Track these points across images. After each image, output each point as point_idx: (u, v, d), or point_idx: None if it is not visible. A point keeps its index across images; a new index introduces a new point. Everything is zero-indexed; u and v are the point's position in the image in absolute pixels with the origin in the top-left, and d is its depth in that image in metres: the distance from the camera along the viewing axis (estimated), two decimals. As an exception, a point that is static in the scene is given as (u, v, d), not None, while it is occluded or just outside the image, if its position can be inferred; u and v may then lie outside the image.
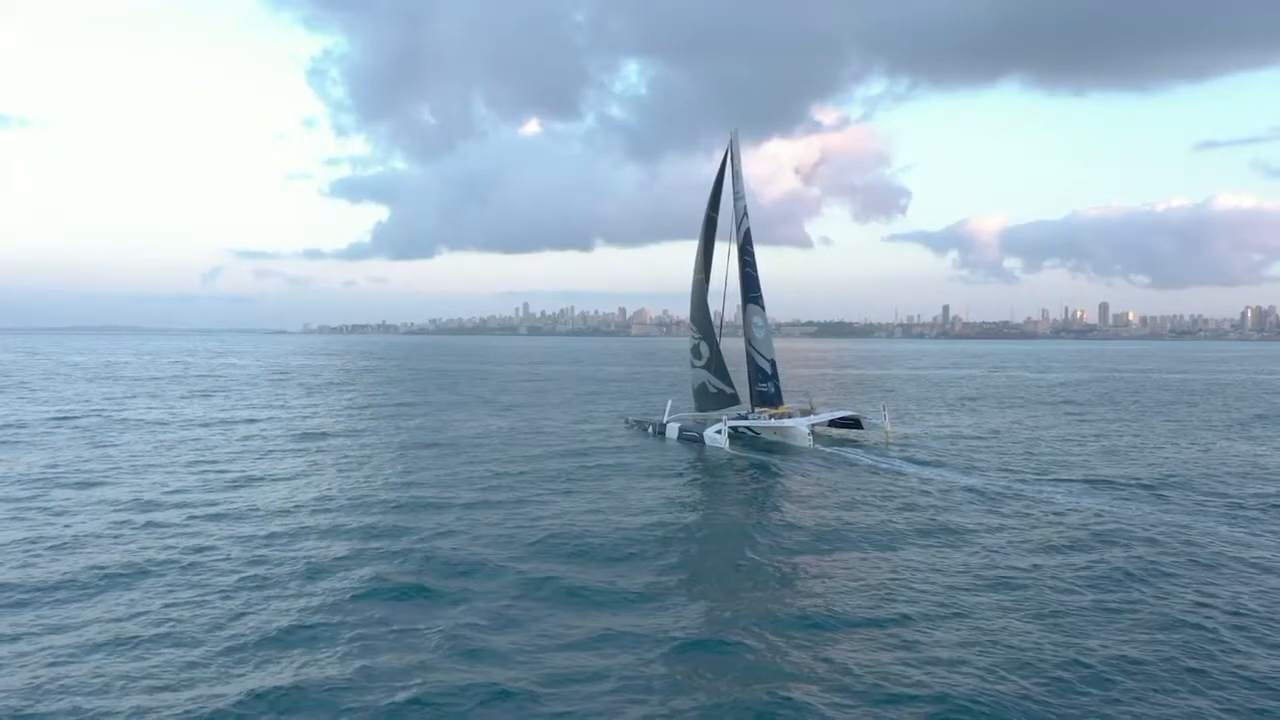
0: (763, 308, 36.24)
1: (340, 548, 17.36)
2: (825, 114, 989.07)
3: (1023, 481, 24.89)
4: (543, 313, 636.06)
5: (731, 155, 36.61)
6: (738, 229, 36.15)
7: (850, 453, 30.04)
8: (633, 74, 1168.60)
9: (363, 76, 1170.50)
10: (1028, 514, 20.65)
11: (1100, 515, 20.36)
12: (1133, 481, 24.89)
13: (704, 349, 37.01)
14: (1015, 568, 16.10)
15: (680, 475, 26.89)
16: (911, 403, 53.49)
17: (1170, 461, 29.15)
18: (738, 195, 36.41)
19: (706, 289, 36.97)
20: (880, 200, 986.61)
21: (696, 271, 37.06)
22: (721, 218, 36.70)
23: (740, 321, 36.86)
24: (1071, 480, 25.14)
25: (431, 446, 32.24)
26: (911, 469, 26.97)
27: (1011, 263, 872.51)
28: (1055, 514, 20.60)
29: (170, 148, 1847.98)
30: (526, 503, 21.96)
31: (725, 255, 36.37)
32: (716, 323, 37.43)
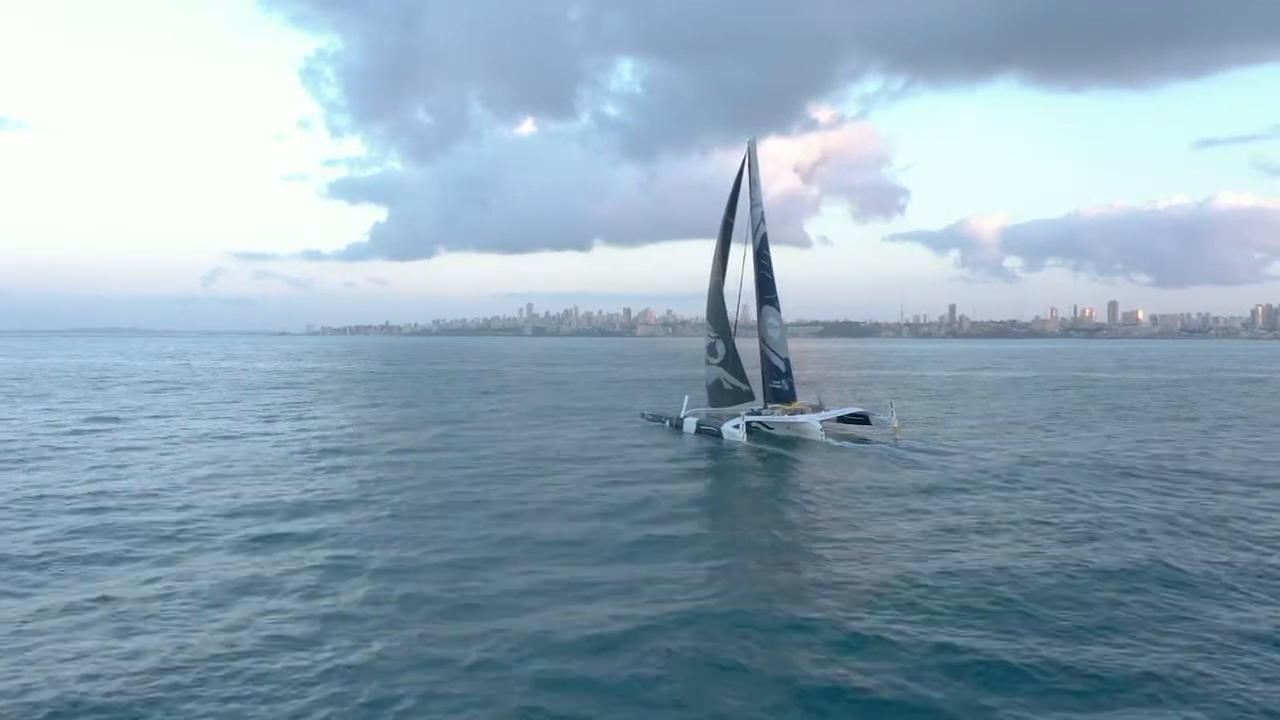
0: (778, 309, 38.13)
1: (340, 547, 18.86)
2: (821, 112, 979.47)
3: (1028, 472, 26.27)
4: (547, 313, 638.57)
5: (749, 163, 38.43)
6: (754, 234, 37.99)
7: (860, 446, 31.65)
8: (627, 72, 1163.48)
9: (357, 77, 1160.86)
10: (1024, 505, 21.57)
11: (1107, 509, 20.68)
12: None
13: (720, 347, 38.82)
14: (1019, 560, 16.42)
15: (705, 466, 28.71)
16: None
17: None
18: (755, 202, 38.21)
19: (723, 290, 38.88)
20: (879, 199, 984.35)
21: (714, 274, 38.94)
22: (738, 222, 38.59)
23: (753, 320, 38.81)
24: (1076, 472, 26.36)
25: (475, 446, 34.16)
26: (923, 460, 28.54)
27: (1012, 262, 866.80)
28: (1056, 509, 21.13)
29: (168, 149, 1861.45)
30: (540, 490, 23.78)
31: (740, 258, 38.39)
32: (733, 322, 39.28)
